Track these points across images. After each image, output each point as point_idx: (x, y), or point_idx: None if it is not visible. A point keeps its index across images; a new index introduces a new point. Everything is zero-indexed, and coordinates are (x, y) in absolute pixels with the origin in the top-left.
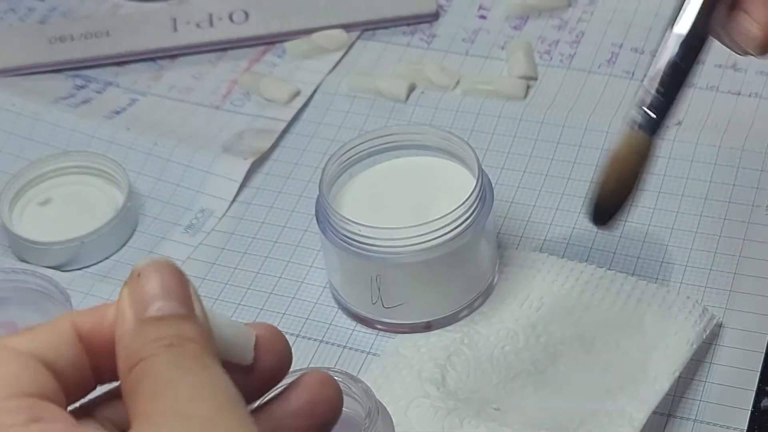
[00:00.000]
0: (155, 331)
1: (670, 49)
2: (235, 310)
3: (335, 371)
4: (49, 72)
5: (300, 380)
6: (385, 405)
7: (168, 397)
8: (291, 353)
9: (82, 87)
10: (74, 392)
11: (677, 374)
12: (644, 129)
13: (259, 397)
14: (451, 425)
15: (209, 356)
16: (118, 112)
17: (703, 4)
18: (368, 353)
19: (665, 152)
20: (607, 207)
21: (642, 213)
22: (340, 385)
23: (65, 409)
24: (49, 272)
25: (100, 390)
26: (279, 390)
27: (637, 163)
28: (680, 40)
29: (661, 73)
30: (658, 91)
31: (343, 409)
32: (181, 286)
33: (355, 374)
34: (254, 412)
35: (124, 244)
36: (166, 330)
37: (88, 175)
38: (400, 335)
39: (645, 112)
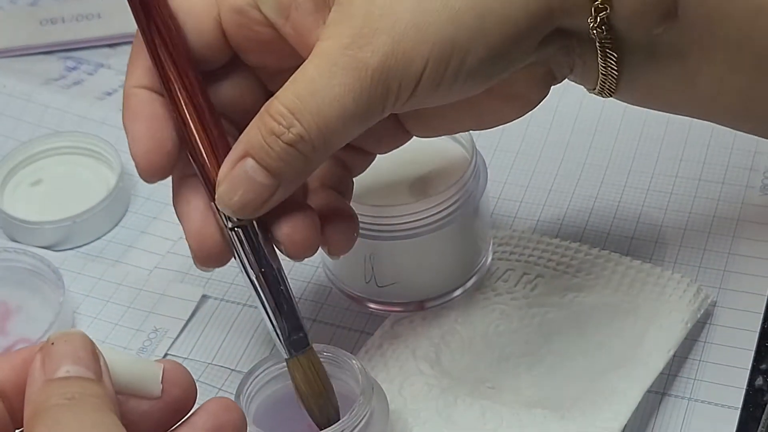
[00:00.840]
0: (60, 387)
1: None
2: (228, 289)
3: (330, 350)
4: (40, 54)
5: (204, 407)
6: (379, 383)
7: None
8: (195, 387)
9: (74, 68)
10: None
11: (672, 353)
12: (298, 348)
13: (168, 430)
14: (445, 403)
15: (107, 409)
16: (109, 94)
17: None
18: (362, 332)
19: (658, 133)
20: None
21: (636, 193)
22: (335, 364)
23: None
24: (41, 252)
25: None
26: (185, 418)
27: (317, 375)
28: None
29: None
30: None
31: (338, 387)
32: (89, 354)
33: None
34: None
35: (116, 224)
36: (70, 387)
37: (79, 155)
38: (393, 314)
39: (290, 342)
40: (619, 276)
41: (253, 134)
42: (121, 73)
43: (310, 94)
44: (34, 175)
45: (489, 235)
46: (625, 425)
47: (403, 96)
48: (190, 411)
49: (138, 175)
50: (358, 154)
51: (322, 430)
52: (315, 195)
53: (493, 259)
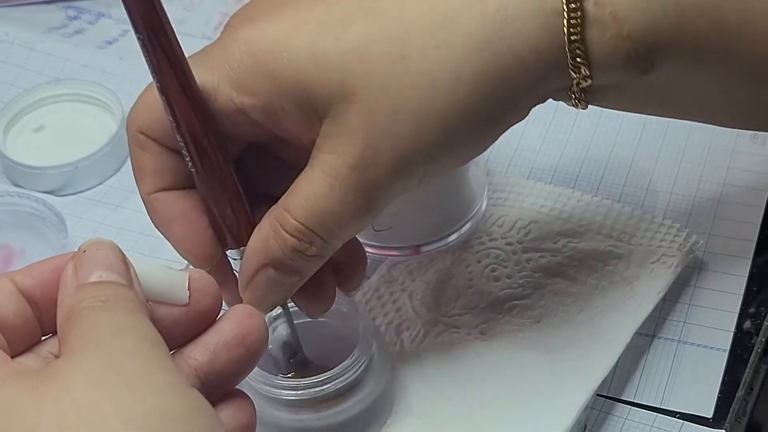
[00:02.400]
0: (93, 290)
1: None
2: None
3: None
4: (41, 3)
5: (228, 314)
6: (376, 327)
7: (93, 333)
8: (221, 295)
9: (75, 18)
10: (21, 338)
11: (662, 294)
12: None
13: (197, 336)
14: (441, 346)
15: (139, 312)
16: (110, 43)
17: None
18: None
19: None
20: None
21: (628, 142)
22: (335, 308)
23: (7, 351)
24: (44, 196)
25: None
26: (210, 326)
27: None
28: None
29: None
30: None
31: (338, 331)
32: (120, 261)
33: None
34: (190, 343)
35: (117, 170)
36: (103, 291)
37: (81, 102)
38: (390, 258)
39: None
40: (611, 222)
41: (272, 248)
42: (121, 22)
43: (326, 213)
44: (36, 121)
45: (484, 181)
46: (616, 365)
47: (398, 195)
48: (215, 319)
49: None
50: None
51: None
52: None
53: (487, 204)
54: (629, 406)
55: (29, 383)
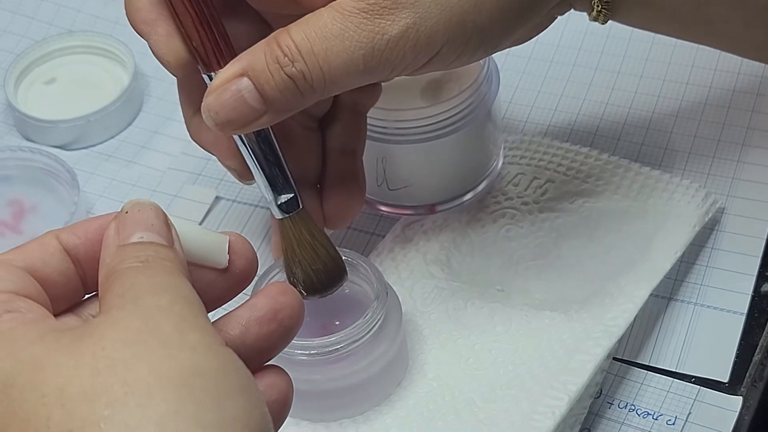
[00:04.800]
0: (134, 251)
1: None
2: (240, 190)
3: (344, 253)
4: None
5: (263, 290)
6: (391, 286)
7: (131, 292)
8: (257, 259)
9: None
10: (64, 296)
11: (678, 254)
12: (290, 210)
13: (232, 298)
14: (455, 306)
15: (178, 272)
16: None
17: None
18: (372, 234)
19: (671, 40)
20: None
21: (646, 100)
22: (350, 267)
23: (49, 309)
24: (56, 151)
25: None
26: (244, 302)
27: (313, 235)
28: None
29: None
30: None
31: (352, 290)
32: (162, 222)
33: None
34: (224, 318)
35: (129, 124)
36: (144, 251)
37: (93, 55)
38: (404, 217)
39: (281, 202)
40: (629, 182)
41: (257, 57)
42: None
43: (321, 38)
44: (48, 73)
45: (500, 139)
46: (632, 326)
47: (416, 66)
48: (251, 282)
49: (152, 75)
50: (366, 89)
51: (309, 295)
52: (332, 157)
53: (503, 163)
54: (645, 371)
55: (67, 340)
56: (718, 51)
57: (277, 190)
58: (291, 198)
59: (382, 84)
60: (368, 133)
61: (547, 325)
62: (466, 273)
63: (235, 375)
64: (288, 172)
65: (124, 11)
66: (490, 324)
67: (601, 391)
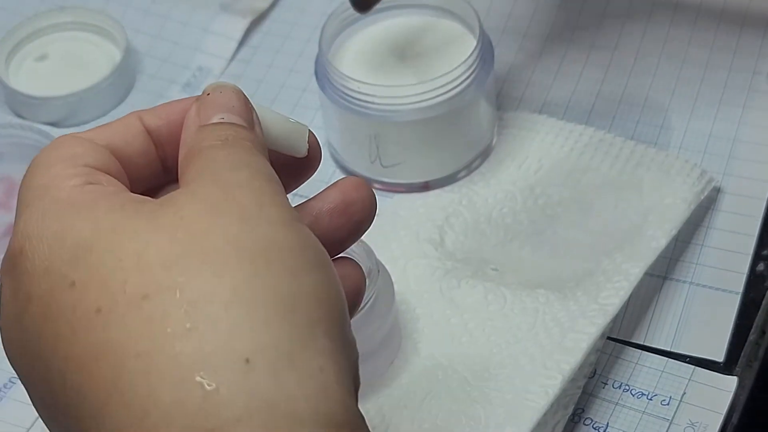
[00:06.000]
0: (214, 130)
1: None
2: None
3: None
4: None
5: (336, 183)
6: (383, 265)
7: (210, 167)
8: (321, 150)
9: None
10: (143, 177)
11: (674, 232)
12: None
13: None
14: (448, 285)
15: (258, 151)
16: None
17: None
18: None
19: (667, 17)
20: None
21: (643, 78)
22: None
23: (128, 188)
24: (46, 128)
25: None
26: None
27: None
28: None
29: None
30: None
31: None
32: (243, 104)
33: None
34: (295, 207)
35: (120, 102)
36: (224, 131)
37: (85, 31)
38: (398, 195)
39: None
40: (624, 159)
41: None
42: None
43: None
44: (39, 50)
45: (495, 116)
46: (626, 305)
47: None
48: (314, 172)
49: (144, 52)
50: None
51: None
52: None
53: (498, 141)
54: (639, 351)
55: (146, 209)
56: (716, 27)
57: None
58: None
59: (377, 60)
60: (362, 109)
61: (541, 303)
62: (459, 252)
63: (312, 252)
64: None
65: None
66: (483, 303)
67: (595, 370)
